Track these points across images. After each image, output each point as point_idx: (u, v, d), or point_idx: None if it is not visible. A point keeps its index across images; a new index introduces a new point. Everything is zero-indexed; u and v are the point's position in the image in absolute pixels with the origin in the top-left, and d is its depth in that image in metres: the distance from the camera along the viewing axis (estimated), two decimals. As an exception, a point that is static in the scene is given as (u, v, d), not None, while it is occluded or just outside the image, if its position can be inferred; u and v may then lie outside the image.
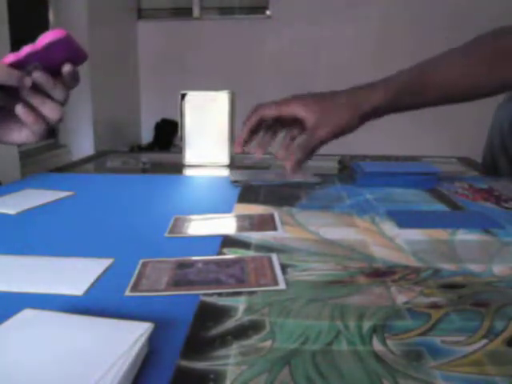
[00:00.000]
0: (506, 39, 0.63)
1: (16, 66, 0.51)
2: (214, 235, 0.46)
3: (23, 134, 0.58)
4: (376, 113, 0.61)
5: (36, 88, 0.54)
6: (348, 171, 0.75)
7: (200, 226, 0.49)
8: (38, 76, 0.53)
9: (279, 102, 0.61)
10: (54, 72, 0.54)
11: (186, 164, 0.83)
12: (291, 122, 0.61)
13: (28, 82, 0.52)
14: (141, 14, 3.78)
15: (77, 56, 0.53)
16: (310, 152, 0.58)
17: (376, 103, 0.59)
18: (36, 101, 0.55)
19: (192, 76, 3.57)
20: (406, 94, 0.61)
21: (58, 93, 0.55)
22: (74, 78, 0.56)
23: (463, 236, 0.46)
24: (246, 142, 0.61)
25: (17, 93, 0.54)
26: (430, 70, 0.64)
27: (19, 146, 2.12)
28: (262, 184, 0.66)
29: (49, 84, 0.54)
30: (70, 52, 0.52)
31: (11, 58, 0.51)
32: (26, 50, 0.50)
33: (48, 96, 0.55)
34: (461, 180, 0.71)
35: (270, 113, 0.60)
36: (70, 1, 2.80)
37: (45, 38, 0.50)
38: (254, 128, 0.60)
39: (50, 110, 0.55)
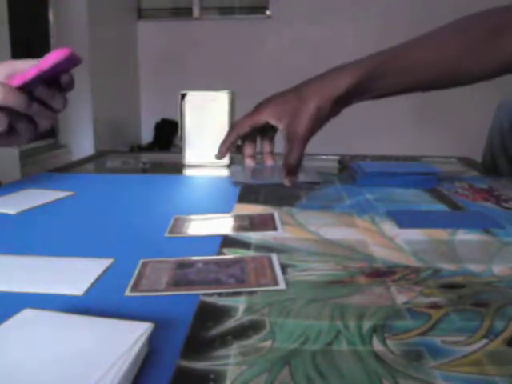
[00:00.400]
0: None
1: (22, 86, 0.52)
2: (213, 235, 0.46)
3: (12, 139, 0.57)
4: (350, 96, 0.58)
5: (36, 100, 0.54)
6: (348, 171, 0.75)
7: (200, 226, 0.49)
8: (41, 92, 0.54)
9: (251, 113, 0.62)
10: (52, 79, 0.54)
11: (186, 164, 0.83)
12: (269, 126, 0.62)
13: (35, 109, 0.53)
14: (141, 13, 3.78)
15: (74, 64, 0.54)
16: (298, 156, 0.59)
17: (346, 85, 0.56)
18: (36, 115, 0.55)
19: (192, 76, 3.57)
20: (382, 76, 0.58)
21: (56, 102, 0.55)
22: (71, 83, 0.56)
23: (463, 236, 0.46)
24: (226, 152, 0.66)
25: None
26: (410, 48, 0.59)
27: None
28: (262, 184, 0.66)
29: (49, 97, 0.55)
30: (70, 64, 0.53)
31: (18, 80, 0.52)
32: (32, 71, 0.51)
33: (46, 105, 0.55)
34: (461, 180, 0.71)
35: (245, 129, 0.62)
36: (70, 1, 2.80)
37: (50, 59, 0.50)
38: (231, 145, 0.65)
39: (46, 120, 0.56)
